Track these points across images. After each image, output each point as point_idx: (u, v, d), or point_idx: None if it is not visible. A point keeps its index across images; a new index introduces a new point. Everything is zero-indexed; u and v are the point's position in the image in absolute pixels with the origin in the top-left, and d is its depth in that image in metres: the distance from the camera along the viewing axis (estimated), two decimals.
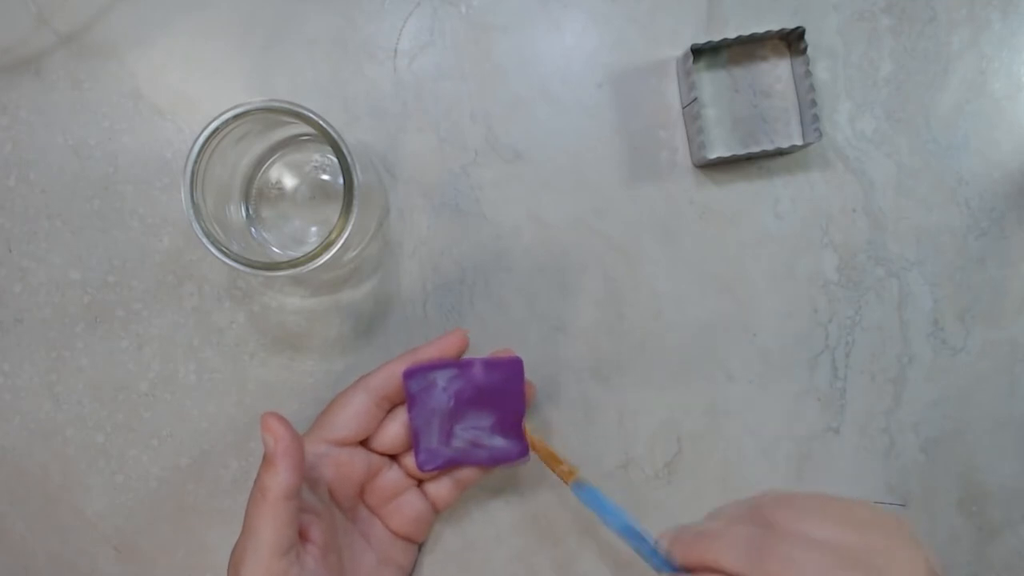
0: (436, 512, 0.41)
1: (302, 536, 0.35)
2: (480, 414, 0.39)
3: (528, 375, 0.42)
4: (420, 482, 0.41)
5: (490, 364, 0.39)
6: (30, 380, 0.45)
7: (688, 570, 0.31)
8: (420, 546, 0.43)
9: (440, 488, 0.41)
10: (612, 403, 0.44)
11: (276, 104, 0.35)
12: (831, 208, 0.44)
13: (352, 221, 0.36)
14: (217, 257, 0.35)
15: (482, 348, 0.44)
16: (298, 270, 0.35)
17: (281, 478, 0.33)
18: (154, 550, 0.45)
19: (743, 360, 0.44)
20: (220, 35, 0.45)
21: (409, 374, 0.38)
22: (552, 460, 0.38)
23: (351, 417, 0.38)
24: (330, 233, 0.36)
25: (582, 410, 0.44)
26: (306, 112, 0.35)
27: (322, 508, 0.37)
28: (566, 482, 0.38)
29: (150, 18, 0.45)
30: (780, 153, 0.44)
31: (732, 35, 0.42)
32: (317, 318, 0.45)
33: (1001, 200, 0.44)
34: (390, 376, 0.38)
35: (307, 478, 0.37)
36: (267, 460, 0.34)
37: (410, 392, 0.38)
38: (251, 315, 0.45)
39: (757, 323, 0.44)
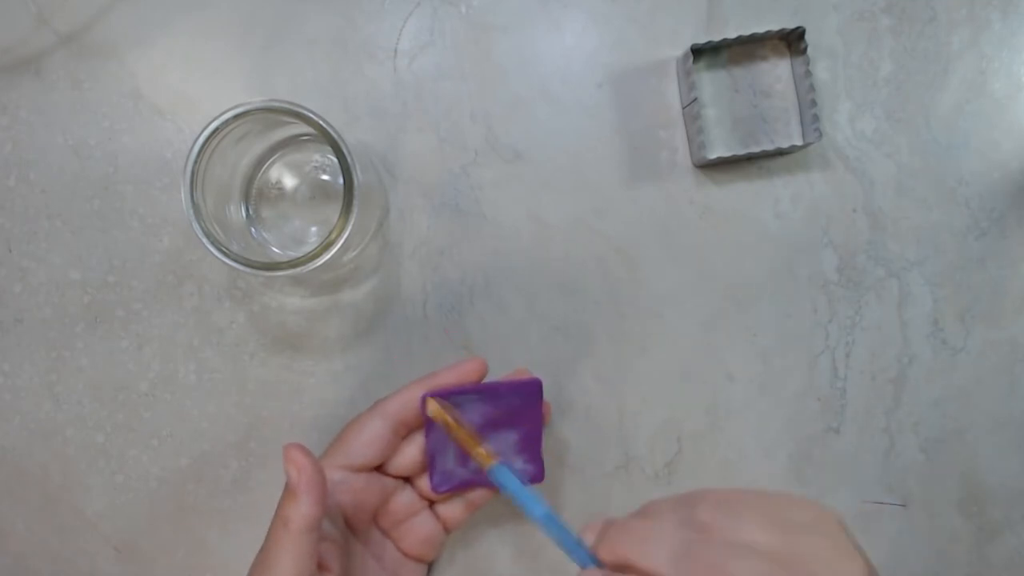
0: (447, 532, 0.41)
1: (321, 567, 0.35)
2: (496, 436, 0.38)
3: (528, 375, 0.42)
4: (431, 503, 0.41)
5: (509, 386, 0.38)
6: (30, 380, 0.45)
7: (611, 568, 0.30)
8: (430, 565, 0.43)
9: (452, 509, 0.40)
10: (612, 403, 0.44)
11: (276, 104, 0.35)
12: (831, 208, 0.44)
13: (352, 221, 0.36)
14: (217, 257, 0.35)
15: (483, 348, 0.44)
16: (298, 270, 0.35)
17: (304, 510, 0.33)
18: (154, 550, 0.45)
19: (743, 360, 0.44)
20: (220, 35, 0.45)
21: (427, 400, 0.37)
22: (470, 443, 0.37)
23: (368, 443, 0.38)
24: (330, 233, 0.36)
25: (582, 410, 0.44)
26: (306, 112, 0.35)
27: (339, 536, 0.37)
28: (483, 467, 0.36)
29: (150, 18, 0.45)
30: (780, 153, 0.44)
31: (732, 35, 0.42)
32: (317, 318, 0.45)
33: (1001, 200, 0.44)
34: (407, 402, 0.38)
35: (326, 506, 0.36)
36: (289, 491, 0.33)
37: (428, 418, 0.38)
38: (251, 315, 0.45)
39: (757, 323, 0.44)
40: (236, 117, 0.35)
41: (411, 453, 0.39)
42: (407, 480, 0.40)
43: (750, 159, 0.44)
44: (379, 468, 0.39)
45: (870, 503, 0.44)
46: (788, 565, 0.27)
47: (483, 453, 0.36)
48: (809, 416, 0.44)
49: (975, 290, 0.44)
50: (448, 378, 0.38)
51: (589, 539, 0.32)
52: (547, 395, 0.44)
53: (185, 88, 0.45)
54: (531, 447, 0.39)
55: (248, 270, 0.36)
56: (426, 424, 0.38)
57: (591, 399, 0.44)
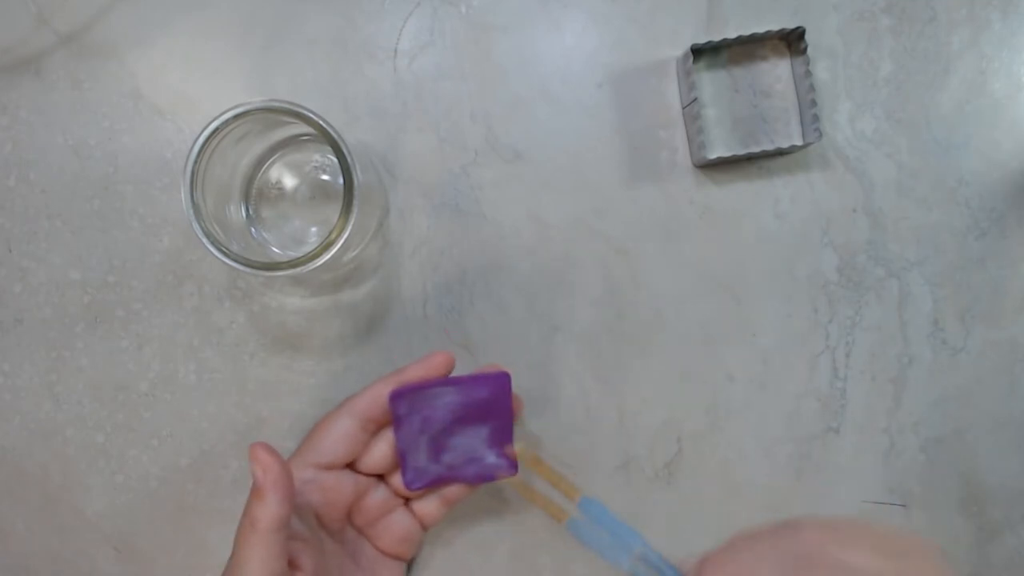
0: (424, 529, 0.41)
1: (292, 565, 0.35)
2: (467, 431, 0.38)
3: (528, 375, 0.42)
4: (407, 500, 0.40)
5: (477, 380, 0.38)
6: (30, 380, 0.45)
7: None
8: (410, 563, 0.43)
9: (427, 505, 0.40)
10: (612, 403, 0.44)
11: (276, 104, 0.35)
12: (831, 208, 0.44)
13: (352, 221, 0.36)
14: (217, 257, 0.35)
15: (483, 348, 0.44)
16: (298, 270, 0.35)
17: (271, 510, 0.33)
18: (154, 550, 0.45)
19: (743, 360, 0.44)
20: (220, 35, 0.45)
21: (396, 396, 0.37)
22: (555, 480, 0.38)
23: (337, 441, 0.38)
24: (330, 233, 0.36)
25: (582, 410, 0.44)
26: (306, 112, 0.35)
27: (310, 534, 0.36)
28: (566, 509, 0.37)
29: (150, 18, 0.45)
30: (780, 153, 0.44)
31: (732, 35, 0.42)
32: (317, 318, 0.45)
33: (1001, 200, 0.44)
34: (375, 398, 0.38)
35: (294, 505, 0.36)
36: (256, 491, 0.33)
37: (397, 414, 0.37)
38: (251, 315, 0.45)
39: (757, 323, 0.44)
40: (236, 117, 0.35)
41: (382, 450, 0.39)
42: (381, 478, 0.40)
43: (750, 159, 0.44)
44: (351, 466, 0.39)
45: (870, 503, 0.44)
46: None
47: (570, 485, 0.37)
48: (809, 416, 0.44)
49: (975, 290, 0.44)
50: (416, 373, 0.38)
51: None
52: (547, 395, 0.44)
53: (185, 88, 0.45)
54: (502, 441, 0.39)
55: (248, 270, 0.36)
56: (395, 421, 0.38)
57: (591, 399, 0.44)
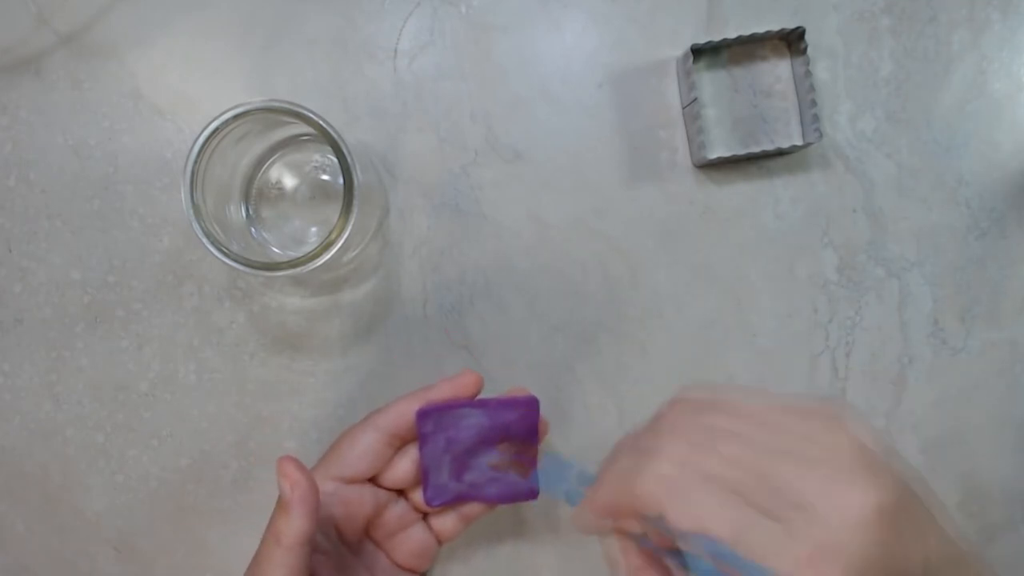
0: (440, 544, 0.41)
1: None
2: (492, 452, 0.38)
3: (528, 375, 0.42)
4: (425, 515, 0.40)
5: (505, 404, 0.38)
6: (30, 380, 0.45)
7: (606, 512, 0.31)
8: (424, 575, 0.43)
9: (445, 522, 0.40)
10: (612, 403, 0.44)
11: (276, 104, 0.35)
12: (831, 208, 0.44)
13: (352, 221, 0.36)
14: (217, 257, 0.35)
15: (483, 348, 0.44)
16: (298, 270, 0.35)
17: (297, 525, 0.32)
18: (154, 550, 0.45)
19: (743, 360, 0.44)
20: (220, 35, 0.45)
21: (423, 414, 0.37)
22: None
23: (361, 455, 0.37)
24: (330, 233, 0.36)
25: (582, 410, 0.44)
26: (306, 112, 0.35)
27: (330, 547, 0.36)
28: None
29: (150, 18, 0.45)
30: (780, 153, 0.44)
31: (732, 35, 0.42)
32: (317, 318, 0.45)
33: (1001, 200, 0.44)
34: (402, 414, 0.37)
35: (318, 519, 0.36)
36: (282, 506, 0.33)
37: (423, 432, 0.37)
38: (251, 315, 0.45)
39: (757, 323, 0.44)
40: (236, 117, 0.35)
41: (404, 466, 0.38)
42: (400, 492, 0.40)
43: (750, 159, 0.44)
44: (372, 480, 0.39)
45: None
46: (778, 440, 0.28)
47: None
48: None
49: (975, 290, 0.44)
50: (443, 392, 0.38)
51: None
52: (547, 395, 0.44)
53: (185, 88, 0.45)
54: (526, 464, 0.39)
55: (248, 270, 0.36)
56: (420, 438, 0.37)
57: (591, 399, 0.44)
